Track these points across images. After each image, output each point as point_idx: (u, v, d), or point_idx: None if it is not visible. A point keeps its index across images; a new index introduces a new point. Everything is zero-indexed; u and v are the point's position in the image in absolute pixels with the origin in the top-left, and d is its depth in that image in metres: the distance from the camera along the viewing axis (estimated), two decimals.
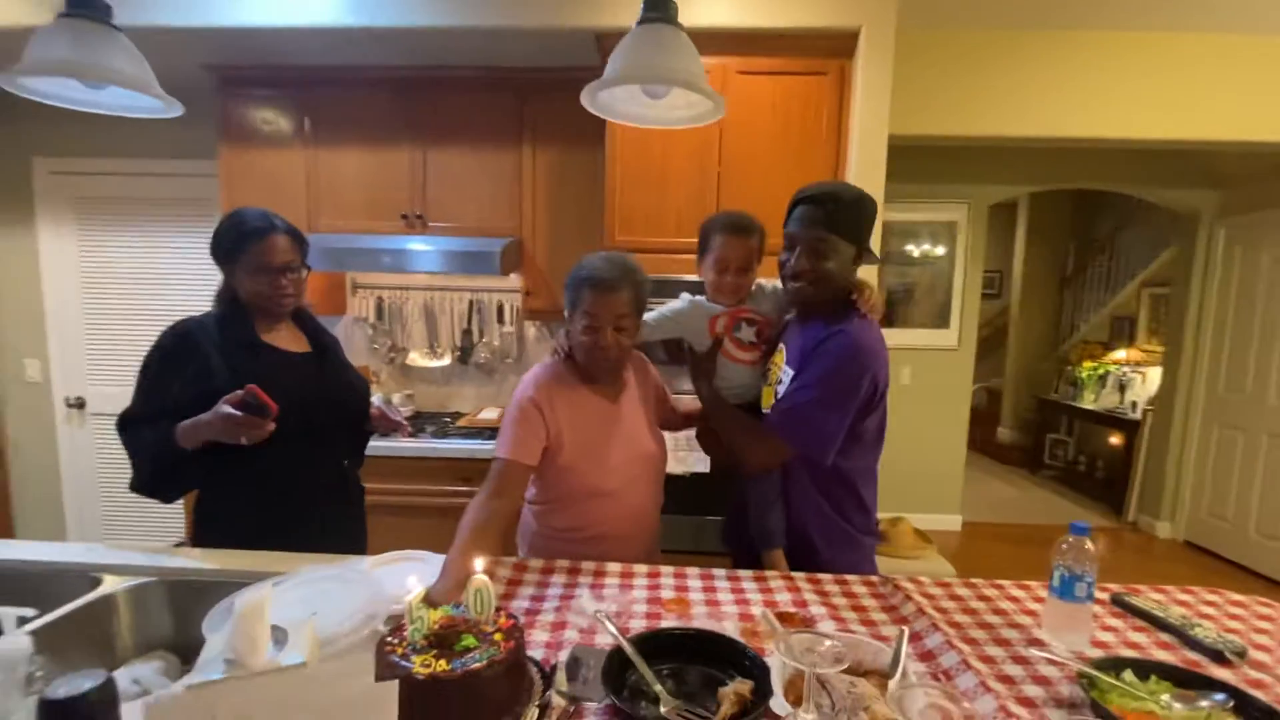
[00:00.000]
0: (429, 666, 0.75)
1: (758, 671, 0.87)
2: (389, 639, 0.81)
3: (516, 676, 0.82)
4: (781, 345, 1.43)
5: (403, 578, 1.11)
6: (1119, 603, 1.19)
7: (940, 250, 4.01)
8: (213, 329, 1.43)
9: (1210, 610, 1.18)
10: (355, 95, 2.66)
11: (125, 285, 3.20)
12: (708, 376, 1.48)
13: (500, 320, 2.99)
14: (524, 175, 2.65)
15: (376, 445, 2.41)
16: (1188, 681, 0.88)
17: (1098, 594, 1.23)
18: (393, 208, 2.69)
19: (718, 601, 1.14)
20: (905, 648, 0.89)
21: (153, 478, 1.40)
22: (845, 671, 0.90)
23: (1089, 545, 1.03)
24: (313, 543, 1.35)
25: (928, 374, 4.02)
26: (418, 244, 2.59)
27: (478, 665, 0.76)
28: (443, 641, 0.80)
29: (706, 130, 2.31)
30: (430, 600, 0.93)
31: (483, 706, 0.76)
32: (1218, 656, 0.99)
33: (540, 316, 2.90)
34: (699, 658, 0.93)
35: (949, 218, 3.99)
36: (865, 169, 2.26)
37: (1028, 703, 0.87)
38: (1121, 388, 4.72)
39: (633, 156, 2.33)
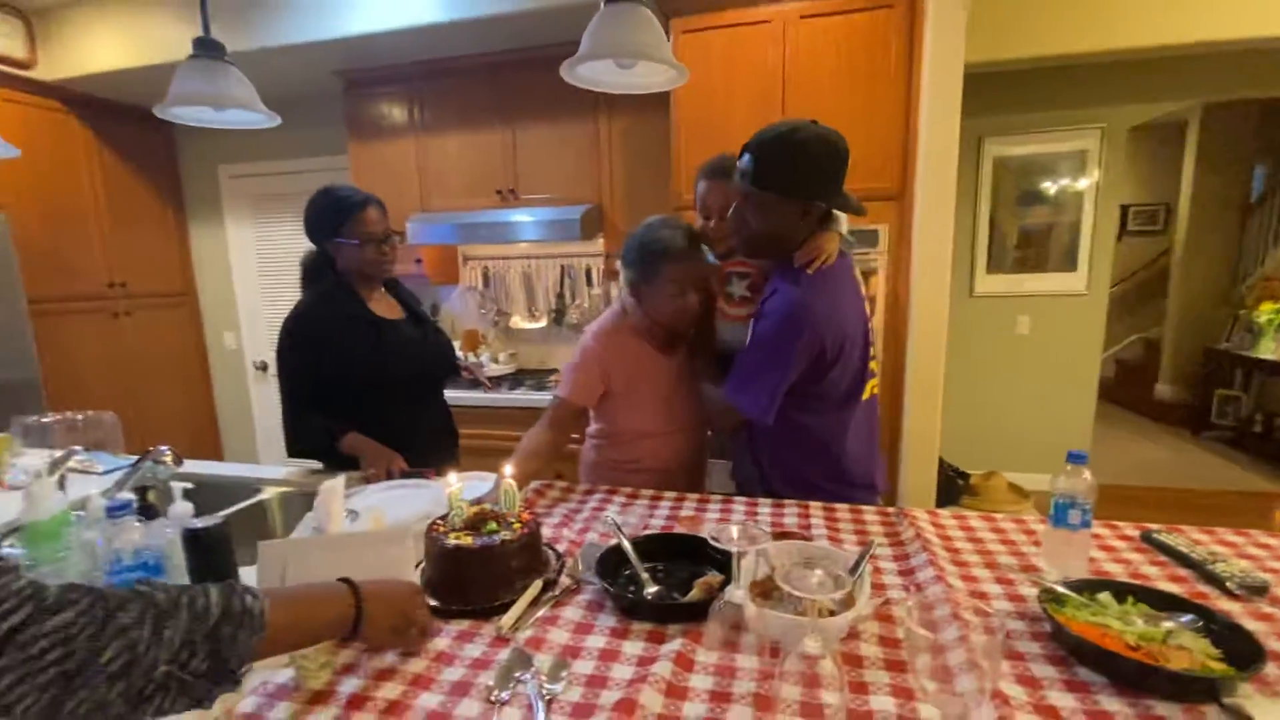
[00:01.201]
0: (459, 540, 0.97)
1: (728, 569, 1.00)
2: (437, 522, 1.04)
3: (529, 555, 1.02)
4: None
5: (467, 490, 1.36)
6: (1147, 539, 1.16)
7: (1078, 183, 3.60)
8: (330, 312, 1.61)
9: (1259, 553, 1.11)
10: (455, 84, 2.96)
11: (292, 265, 3.82)
12: (702, 337, 1.51)
13: (589, 283, 3.22)
14: (600, 144, 2.81)
15: (482, 397, 2.77)
16: (1169, 606, 0.88)
17: (1130, 530, 1.21)
18: (489, 185, 2.98)
19: (729, 520, 1.27)
20: (867, 557, 0.98)
21: (309, 455, 1.69)
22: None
23: (1086, 475, 1.03)
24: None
25: (1049, 323, 3.69)
26: (511, 216, 2.87)
27: (494, 542, 0.97)
28: (474, 525, 1.02)
29: (768, 81, 2.33)
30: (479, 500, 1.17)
31: (495, 572, 0.97)
32: (1228, 590, 0.96)
33: None
34: (688, 559, 1.08)
35: (1078, 146, 3.58)
36: (938, 104, 2.16)
37: (984, 614, 0.93)
38: None
39: (695, 117, 2.41)
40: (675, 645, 0.84)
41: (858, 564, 0.97)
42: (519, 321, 3.39)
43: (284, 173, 3.69)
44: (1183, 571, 1.04)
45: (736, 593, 0.86)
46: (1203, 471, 4.28)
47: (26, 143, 3.03)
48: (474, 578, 0.97)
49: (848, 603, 0.90)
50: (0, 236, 2.88)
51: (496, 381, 3.05)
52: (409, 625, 0.83)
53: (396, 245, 1.70)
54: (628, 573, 1.04)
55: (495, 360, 3.30)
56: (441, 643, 0.88)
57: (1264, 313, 4.34)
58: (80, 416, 1.75)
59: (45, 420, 1.69)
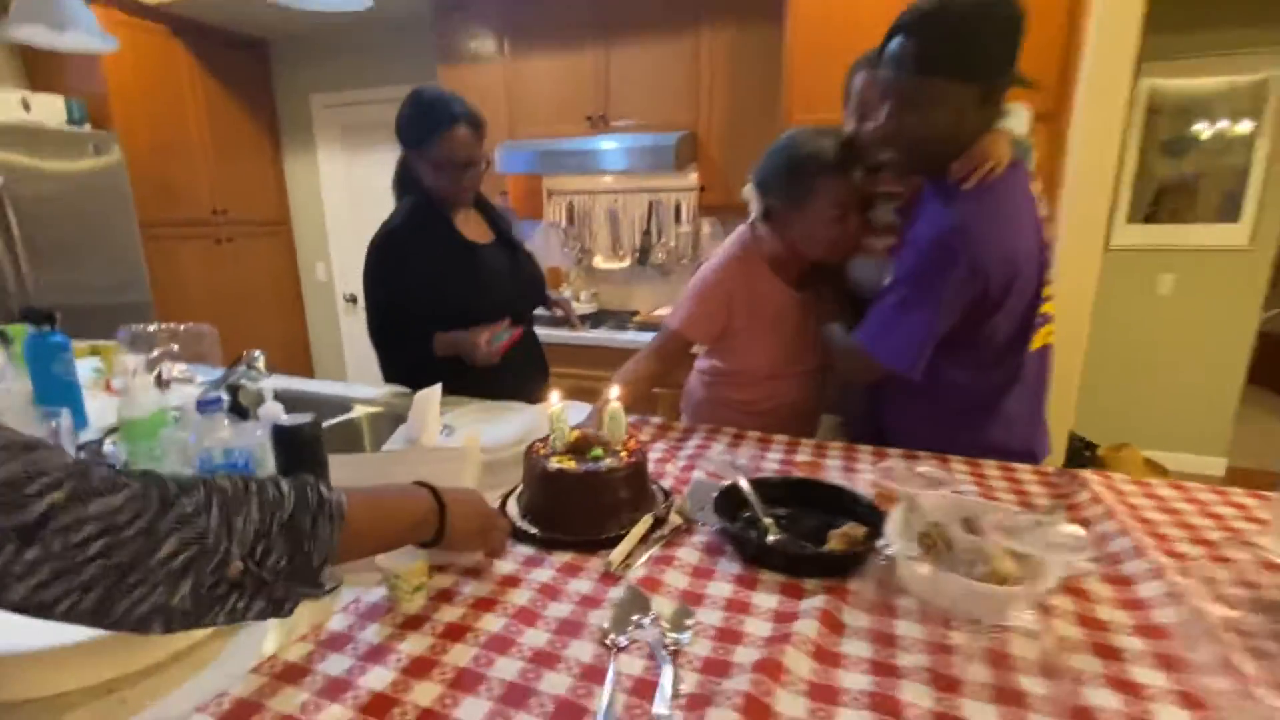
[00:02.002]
0: (561, 464, 0.87)
1: (875, 520, 0.85)
2: (538, 443, 0.94)
3: (635, 487, 0.90)
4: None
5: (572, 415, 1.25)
6: None
7: (1242, 127, 3.07)
8: (418, 233, 1.51)
9: None
10: (547, 2, 2.78)
11: (382, 196, 3.82)
12: (829, 271, 1.29)
13: (677, 220, 3.03)
14: (701, 61, 2.58)
15: (563, 335, 2.68)
16: None
17: None
18: (579, 110, 2.82)
19: (856, 469, 1.12)
20: (1061, 512, 0.80)
21: (409, 375, 1.59)
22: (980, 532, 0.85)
23: None
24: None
25: (1200, 281, 3.22)
26: (600, 143, 2.71)
27: (599, 469, 0.85)
28: (577, 449, 0.90)
29: (890, 11, 2.02)
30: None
31: (598, 502, 0.86)
32: None
33: (716, 213, 2.89)
34: (815, 506, 0.93)
35: (1255, 76, 3.03)
36: (1111, 8, 1.81)
37: (1224, 600, 0.74)
38: None
39: (814, 27, 2.14)
40: (817, 602, 0.71)
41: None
42: (601, 261, 3.26)
43: (374, 101, 3.65)
44: None
45: (904, 546, 0.71)
46: None
47: (134, 66, 3.11)
48: (577, 506, 0.86)
49: (1028, 571, 0.73)
50: (115, 160, 2.99)
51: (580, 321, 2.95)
52: (492, 527, 0.77)
53: (483, 173, 1.56)
54: (747, 515, 0.91)
55: (577, 299, 3.20)
56: (544, 574, 0.78)
57: None
58: (182, 327, 1.77)
59: (149, 329, 1.71)
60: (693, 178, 2.89)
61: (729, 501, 0.91)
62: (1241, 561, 0.82)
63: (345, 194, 3.95)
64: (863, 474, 1.09)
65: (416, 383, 1.65)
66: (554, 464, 0.87)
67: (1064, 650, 0.64)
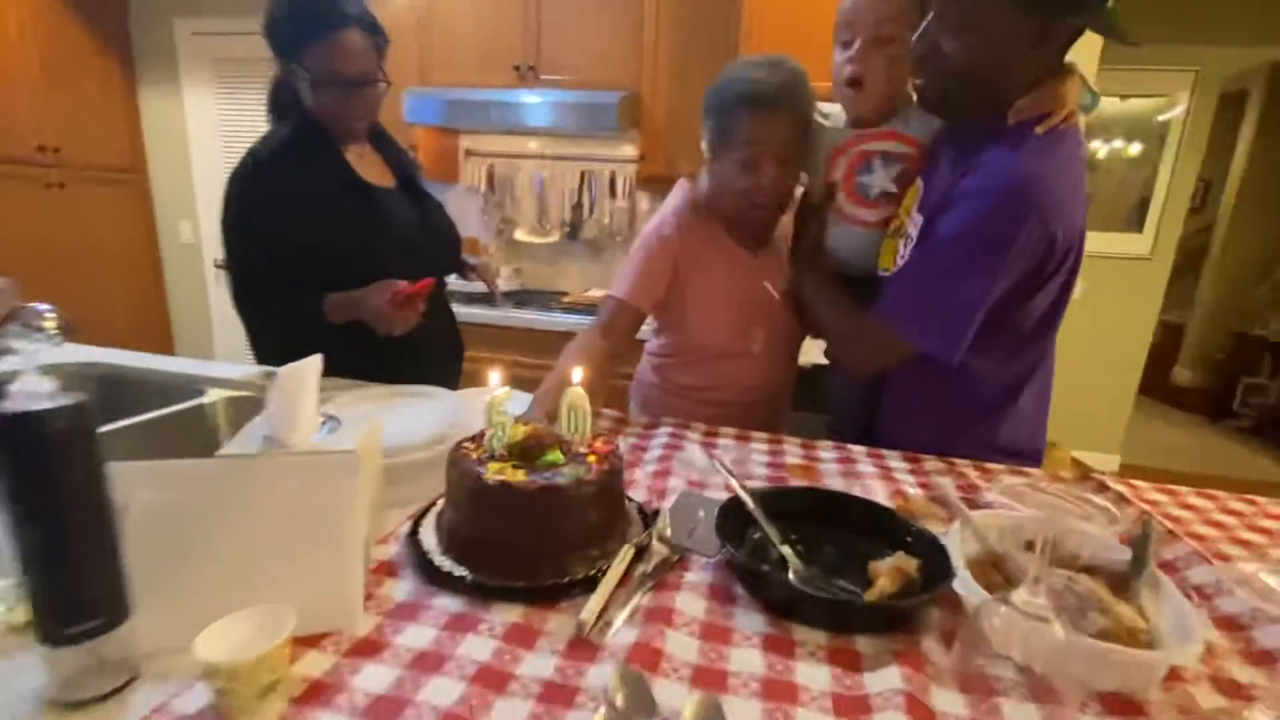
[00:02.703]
0: (502, 474, 0.59)
1: (925, 549, 0.65)
2: (466, 443, 0.66)
3: (608, 508, 0.65)
4: (919, 180, 0.98)
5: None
6: None
7: (1135, 148, 3.24)
8: (298, 166, 1.19)
9: None
10: None
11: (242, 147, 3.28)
12: (809, 239, 1.09)
13: (612, 194, 2.77)
14: (645, 11, 2.32)
15: (479, 314, 2.36)
16: None
17: None
18: (505, 58, 2.48)
19: (859, 474, 0.92)
20: (1152, 542, 0.63)
21: (284, 352, 1.28)
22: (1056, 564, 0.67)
23: None
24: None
25: (1105, 286, 3.37)
26: (530, 97, 2.39)
27: (561, 482, 0.59)
28: (525, 454, 0.63)
29: None
30: None
31: (559, 530, 0.59)
32: None
33: (656, 186, 2.64)
34: (838, 527, 0.72)
35: (1164, 90, 3.18)
36: None
37: None
38: None
39: None
40: (892, 678, 0.49)
41: (1140, 558, 0.62)
42: (525, 234, 2.94)
43: (254, 32, 3.09)
44: None
45: (1027, 597, 0.49)
46: (1221, 458, 4.10)
47: None
48: (529, 536, 0.59)
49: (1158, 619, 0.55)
50: None
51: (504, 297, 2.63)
52: None
53: (382, 96, 1.24)
54: (756, 537, 0.68)
55: (496, 276, 2.86)
56: (480, 646, 0.51)
57: None
58: None
59: None
60: (630, 149, 2.64)
61: (729, 522, 0.68)
62: None
63: (217, 141, 3.36)
64: (867, 480, 0.90)
65: (291, 360, 1.31)
66: (493, 474, 0.60)
67: None
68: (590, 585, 0.58)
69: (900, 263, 0.95)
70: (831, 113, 1.09)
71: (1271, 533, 0.83)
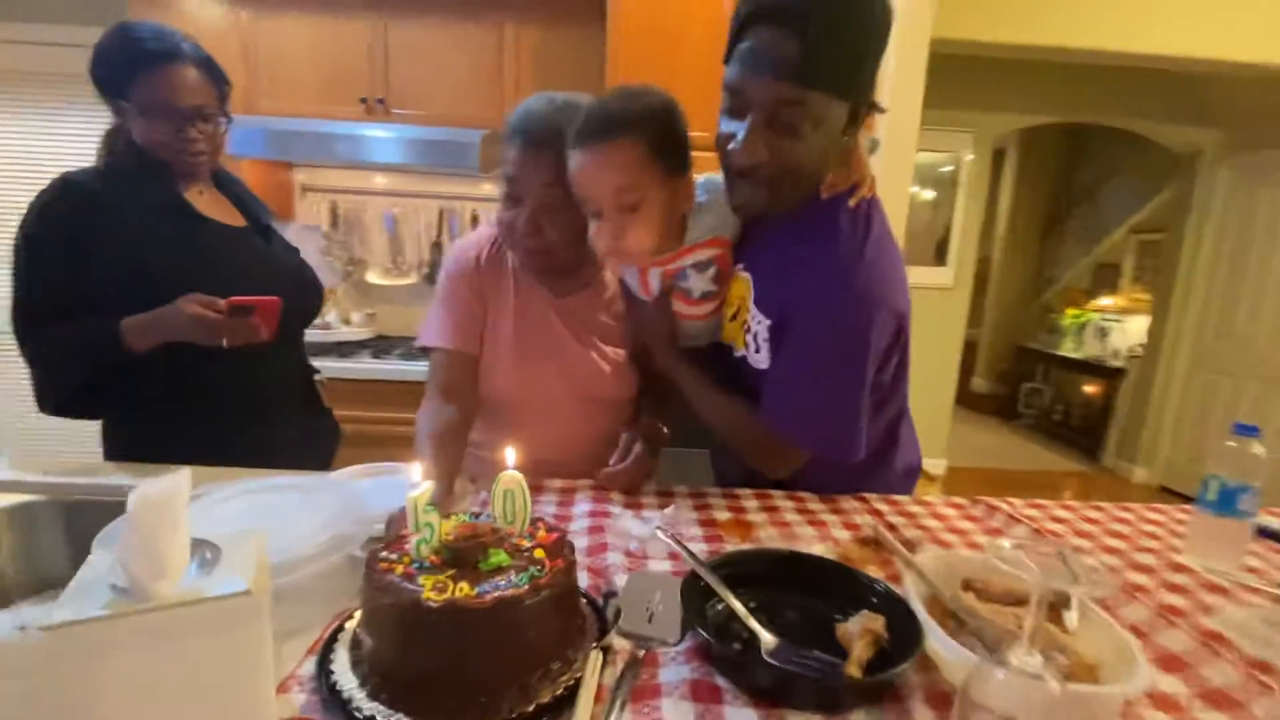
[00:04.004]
0: (444, 590, 0.49)
1: (885, 602, 0.64)
2: (384, 554, 0.54)
3: (567, 611, 0.57)
4: (745, 274, 0.95)
5: (386, 492, 0.83)
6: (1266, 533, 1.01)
7: (928, 194, 3.81)
8: (117, 186, 1.07)
9: None
10: None
11: (18, 175, 2.69)
12: (659, 337, 1.02)
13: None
14: (505, 57, 2.28)
15: (332, 366, 2.10)
16: None
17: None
18: (350, 89, 2.29)
19: (787, 523, 0.91)
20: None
21: (82, 391, 1.08)
22: (985, 599, 0.70)
23: (1257, 449, 0.83)
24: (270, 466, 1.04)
25: (921, 314, 3.84)
26: (378, 131, 2.22)
27: (516, 590, 0.50)
28: (461, 559, 0.54)
29: (722, 17, 2.00)
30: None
31: (522, 648, 0.50)
32: None
33: None
34: (793, 589, 0.70)
35: (954, 149, 3.77)
36: (904, 80, 2.00)
37: (1214, 636, 0.68)
38: (1103, 335, 4.70)
39: (637, 41, 2.01)
40: None
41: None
42: (378, 276, 2.70)
43: (31, 42, 2.56)
44: None
45: (1024, 657, 0.49)
46: (1018, 453, 4.85)
47: None
48: (486, 664, 0.49)
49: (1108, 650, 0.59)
50: None
51: (353, 349, 2.38)
52: None
53: (223, 134, 1.16)
54: (714, 610, 0.64)
55: (346, 321, 2.59)
56: None
57: (1068, 317, 5.03)
58: None
59: None
60: (491, 188, 2.56)
61: (692, 598, 0.63)
62: (1188, 586, 0.80)
63: None
64: (796, 528, 0.90)
65: (85, 414, 1.10)
66: (432, 593, 0.49)
67: None
68: (557, 708, 0.50)
69: (753, 354, 0.94)
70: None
71: (1091, 535, 0.95)
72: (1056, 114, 3.82)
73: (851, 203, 0.87)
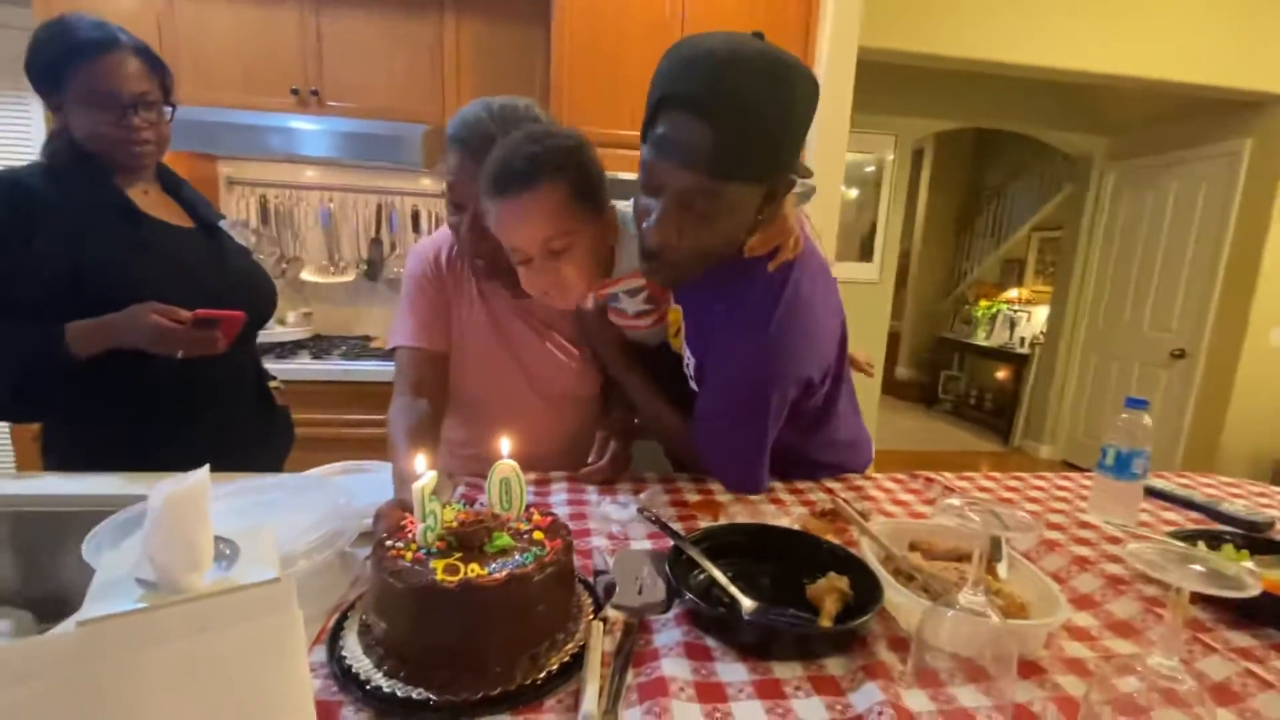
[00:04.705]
0: (456, 572, 0.52)
1: (845, 565, 0.72)
2: (390, 542, 0.57)
3: (568, 587, 0.61)
4: (676, 305, 1.01)
5: (372, 488, 0.84)
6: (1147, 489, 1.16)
7: (853, 193, 4.03)
8: (56, 184, 1.03)
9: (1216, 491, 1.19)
10: None
11: None
12: (605, 343, 1.07)
13: (416, 228, 2.60)
14: (445, 51, 2.25)
15: (273, 367, 2.01)
16: (1259, 548, 0.84)
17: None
18: (280, 80, 2.21)
19: (752, 502, 0.98)
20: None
21: (17, 393, 1.02)
22: (930, 557, 0.79)
23: (1146, 420, 0.96)
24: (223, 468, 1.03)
25: (851, 307, 4.04)
26: (310, 124, 2.15)
27: (524, 569, 0.54)
28: (467, 543, 0.57)
29: (665, 19, 2.06)
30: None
31: (531, 621, 0.54)
32: (1255, 528, 0.97)
33: None
34: (766, 559, 0.77)
35: (876, 150, 3.99)
36: (833, 84, 2.12)
37: (1116, 579, 0.79)
38: (1012, 325, 5.10)
39: (582, 41, 2.04)
40: (874, 693, 0.53)
41: (997, 540, 0.76)
42: (313, 274, 2.61)
43: None
44: (1195, 515, 1.05)
45: (970, 597, 0.57)
46: (938, 436, 5.20)
47: None
48: (499, 638, 0.53)
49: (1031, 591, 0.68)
50: None
51: (290, 350, 2.29)
52: None
53: (166, 125, 1.12)
54: (697, 580, 0.70)
55: (281, 322, 2.49)
56: None
57: (980, 308, 5.43)
58: None
59: None
60: (430, 183, 2.52)
61: (678, 569, 0.69)
62: (1091, 539, 0.92)
63: None
64: (760, 505, 0.97)
65: (20, 417, 1.05)
66: (445, 575, 0.52)
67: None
68: (565, 675, 0.54)
69: (688, 366, 0.99)
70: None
71: (1038, 500, 1.08)
72: (968, 119, 4.12)
73: (771, 267, 0.87)
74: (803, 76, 0.75)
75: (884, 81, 3.55)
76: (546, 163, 0.84)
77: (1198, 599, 0.72)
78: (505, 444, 0.65)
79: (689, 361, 0.99)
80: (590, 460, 1.03)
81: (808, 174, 0.87)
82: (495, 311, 1.08)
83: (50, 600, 0.86)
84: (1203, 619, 0.71)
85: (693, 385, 1.00)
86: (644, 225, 0.83)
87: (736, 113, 0.72)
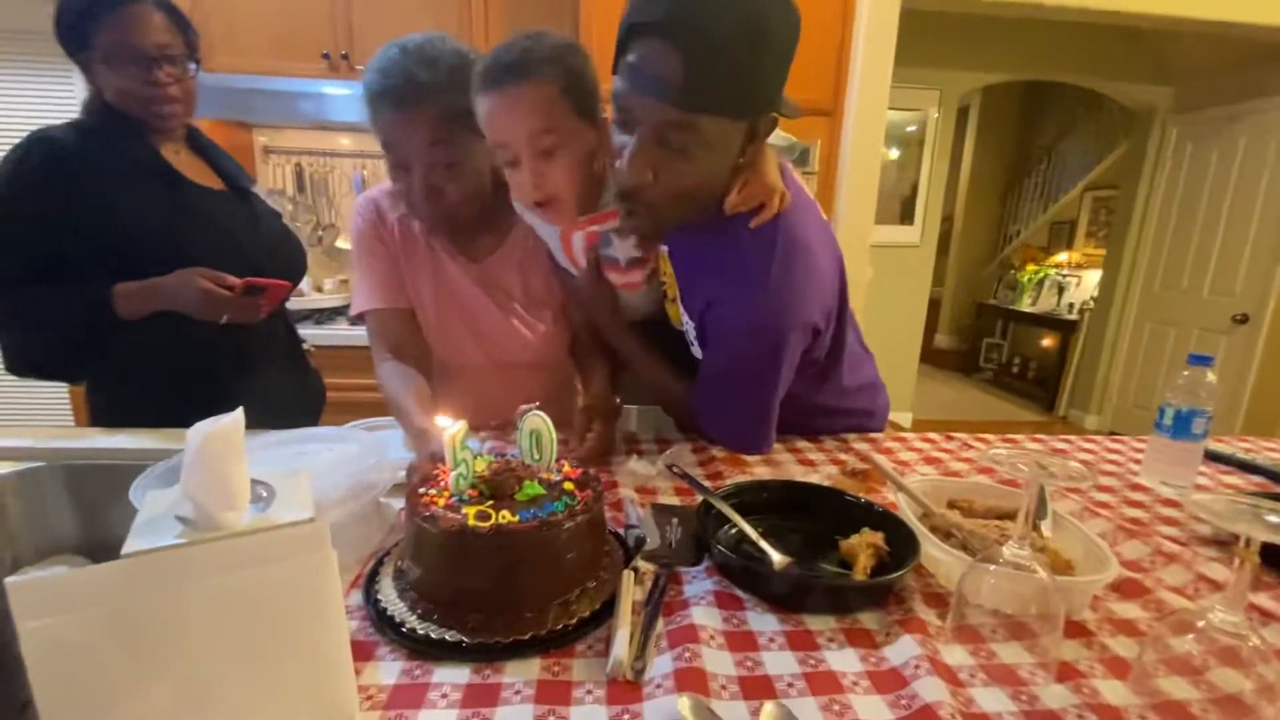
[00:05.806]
0: (488, 518, 0.53)
1: (881, 521, 0.70)
2: (423, 490, 0.57)
3: (598, 537, 0.61)
4: (667, 254, 0.95)
5: (403, 442, 0.85)
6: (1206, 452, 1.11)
7: (894, 153, 3.87)
8: (93, 145, 1.04)
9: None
10: None
11: None
12: (602, 311, 1.03)
13: None
14: (474, 10, 2.22)
15: (309, 333, 2.07)
16: None
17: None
18: (310, 45, 2.20)
19: (778, 462, 0.97)
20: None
21: (64, 353, 1.06)
22: (969, 515, 0.76)
23: (1210, 377, 0.91)
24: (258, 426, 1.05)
25: (888, 271, 3.95)
26: (344, 89, 2.15)
27: (555, 515, 0.54)
28: (499, 490, 0.57)
29: None
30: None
31: (562, 568, 0.54)
32: None
33: None
34: (795, 514, 0.75)
35: (920, 107, 3.82)
36: (875, 36, 2.02)
37: (1173, 544, 0.75)
38: (1060, 290, 4.89)
39: None
40: (909, 648, 0.52)
41: (1043, 498, 0.73)
42: (348, 241, 2.64)
43: None
44: (1257, 479, 0.99)
45: (1016, 551, 0.55)
46: (978, 405, 5.06)
47: None
48: (531, 582, 0.53)
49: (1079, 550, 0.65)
50: None
51: (328, 316, 2.34)
52: None
53: (193, 81, 1.11)
54: (732, 533, 0.69)
55: (319, 289, 2.54)
56: (518, 715, 0.45)
57: (1026, 273, 5.21)
58: None
59: None
60: None
61: (707, 523, 0.68)
62: (1145, 503, 0.88)
63: None
64: (787, 466, 0.95)
65: (62, 376, 1.10)
66: (477, 520, 0.52)
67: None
68: (596, 622, 0.54)
69: (692, 345, 0.97)
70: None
71: (1089, 464, 1.03)
72: (1019, 70, 3.90)
73: (752, 224, 0.84)
74: (778, 4, 0.72)
75: (929, 32, 3.38)
76: (543, 56, 0.81)
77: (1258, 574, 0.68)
78: (532, 408, 0.63)
79: (688, 325, 0.95)
80: (571, 445, 0.94)
81: (795, 113, 0.80)
82: (451, 279, 1.04)
83: (105, 548, 0.89)
84: (1267, 580, 0.67)
85: (695, 352, 0.97)
86: (617, 164, 0.78)
87: (705, 39, 0.68)
